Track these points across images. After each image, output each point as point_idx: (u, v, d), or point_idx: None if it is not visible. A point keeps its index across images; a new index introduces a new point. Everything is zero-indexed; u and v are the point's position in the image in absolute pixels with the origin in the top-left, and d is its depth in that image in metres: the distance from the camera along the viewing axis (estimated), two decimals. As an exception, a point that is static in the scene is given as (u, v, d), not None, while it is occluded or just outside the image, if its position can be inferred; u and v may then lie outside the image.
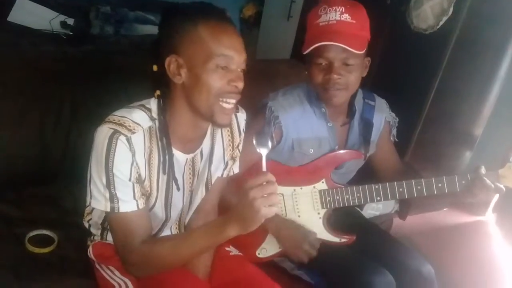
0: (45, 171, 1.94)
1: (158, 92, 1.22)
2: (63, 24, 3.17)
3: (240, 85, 1.18)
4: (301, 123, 1.60)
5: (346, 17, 1.44)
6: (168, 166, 1.25)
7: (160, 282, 1.30)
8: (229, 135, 1.46)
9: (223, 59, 1.15)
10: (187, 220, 1.50)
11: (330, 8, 1.45)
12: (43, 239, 1.61)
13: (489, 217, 3.06)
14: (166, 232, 1.45)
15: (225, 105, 1.19)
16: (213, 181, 1.46)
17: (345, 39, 1.42)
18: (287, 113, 1.58)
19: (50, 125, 1.92)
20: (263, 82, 2.21)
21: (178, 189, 1.33)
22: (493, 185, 1.44)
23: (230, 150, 1.47)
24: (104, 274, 1.42)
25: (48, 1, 3.28)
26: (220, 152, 1.43)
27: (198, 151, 1.35)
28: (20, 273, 1.46)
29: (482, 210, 3.04)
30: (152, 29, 3.49)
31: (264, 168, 1.09)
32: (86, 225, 1.47)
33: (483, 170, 1.46)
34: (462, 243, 2.79)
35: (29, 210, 1.76)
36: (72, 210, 1.74)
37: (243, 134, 1.48)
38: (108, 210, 1.18)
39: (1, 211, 1.71)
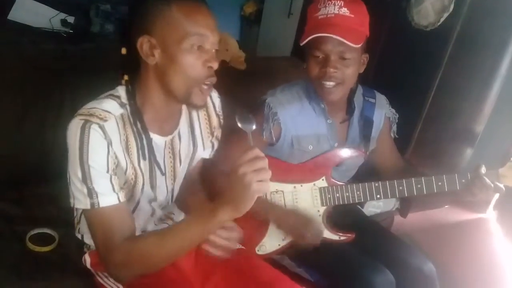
0: (46, 169, 1.93)
1: (126, 77, 1.21)
2: (63, 22, 3.17)
3: (215, 65, 1.17)
4: (300, 120, 1.60)
5: (344, 11, 1.44)
6: (147, 151, 1.23)
7: (151, 285, 1.27)
8: (205, 115, 1.44)
9: (198, 38, 1.13)
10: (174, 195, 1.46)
11: (330, 2, 1.46)
12: (44, 238, 1.61)
13: (490, 215, 3.06)
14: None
15: (202, 86, 1.18)
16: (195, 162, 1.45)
17: (342, 32, 1.42)
18: (285, 109, 1.58)
19: (50, 123, 1.92)
20: (263, 79, 2.21)
21: (162, 173, 1.31)
22: (492, 185, 1.43)
23: (208, 130, 1.45)
24: (99, 279, 1.41)
25: (48, -1, 3.28)
26: (199, 132, 1.42)
27: (176, 132, 1.33)
28: (20, 271, 1.46)
29: (483, 207, 3.04)
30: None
31: (251, 144, 1.05)
32: (79, 236, 1.42)
33: (483, 169, 1.45)
34: (463, 240, 2.78)
35: (30, 208, 1.76)
36: (73, 209, 1.74)
37: (221, 113, 1.48)
38: (89, 207, 1.12)
39: (2, 210, 1.72)
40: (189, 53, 1.14)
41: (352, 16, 1.45)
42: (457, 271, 2.38)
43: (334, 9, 1.45)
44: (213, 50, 1.18)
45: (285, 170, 1.62)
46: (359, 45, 1.46)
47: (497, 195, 1.91)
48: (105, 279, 1.40)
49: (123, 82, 1.21)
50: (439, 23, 2.51)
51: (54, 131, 1.92)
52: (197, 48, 1.14)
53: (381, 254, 1.62)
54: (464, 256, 2.60)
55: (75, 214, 1.41)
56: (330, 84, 1.49)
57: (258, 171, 1.00)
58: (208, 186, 1.51)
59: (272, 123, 1.58)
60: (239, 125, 1.10)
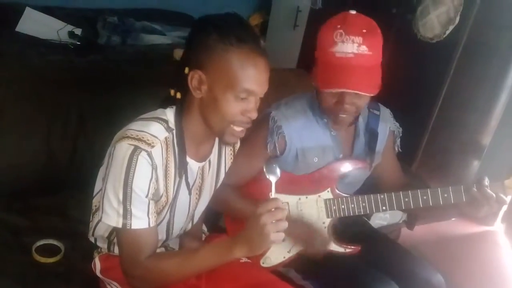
0: (52, 180, 1.94)
1: (179, 95, 1.24)
2: (71, 34, 3.21)
3: (254, 115, 1.20)
4: (305, 133, 1.59)
5: (363, 49, 1.39)
6: (184, 173, 1.27)
7: None
8: (231, 148, 1.50)
9: (244, 92, 1.16)
10: (189, 226, 1.50)
11: (347, 37, 1.39)
12: (49, 249, 1.61)
13: (498, 227, 3.03)
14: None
15: (236, 128, 1.21)
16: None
17: (363, 80, 1.39)
18: (290, 123, 1.57)
19: (57, 135, 1.92)
20: (269, 91, 2.21)
21: (190, 194, 1.35)
22: (495, 195, 1.40)
23: (231, 157, 1.51)
24: (108, 286, 1.43)
25: (55, 11, 3.34)
26: (224, 163, 1.47)
27: (207, 160, 1.37)
28: (26, 283, 1.46)
29: (490, 220, 3.02)
30: (159, 39, 3.53)
31: (273, 195, 1.14)
32: (92, 239, 1.45)
33: (486, 181, 1.42)
34: (470, 253, 2.76)
35: (36, 219, 1.76)
36: (79, 220, 1.74)
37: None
38: (120, 226, 1.17)
39: (9, 221, 1.71)
40: (232, 102, 1.16)
41: (371, 53, 1.40)
42: (465, 284, 2.36)
43: (353, 48, 1.39)
44: (258, 98, 1.21)
45: (289, 182, 1.61)
46: (376, 93, 1.44)
47: (504, 208, 1.89)
48: (113, 286, 1.41)
49: (172, 93, 1.25)
50: (445, 35, 2.51)
51: (61, 142, 1.93)
52: (241, 99, 1.16)
53: (388, 266, 1.60)
54: (471, 269, 2.58)
55: (91, 219, 1.43)
56: (344, 116, 1.49)
57: (277, 222, 1.08)
58: (216, 197, 1.52)
59: (277, 137, 1.57)
60: (265, 172, 1.21)
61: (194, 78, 1.17)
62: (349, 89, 1.41)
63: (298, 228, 1.58)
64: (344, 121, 1.53)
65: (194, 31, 1.22)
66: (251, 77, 1.15)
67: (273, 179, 1.17)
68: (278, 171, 1.19)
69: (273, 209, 1.09)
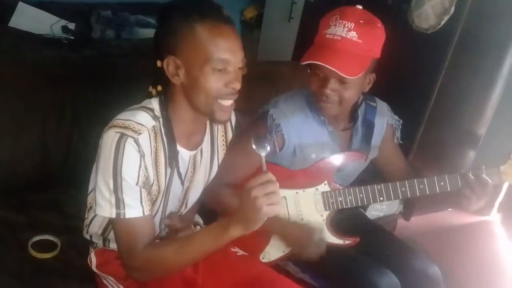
0: (48, 176, 1.94)
1: (159, 88, 1.24)
2: (64, 28, 3.18)
3: (237, 85, 1.20)
4: (303, 129, 1.58)
5: (352, 35, 1.39)
6: (174, 162, 1.27)
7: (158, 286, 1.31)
8: (222, 131, 1.49)
9: (219, 63, 1.16)
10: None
11: (341, 21, 1.41)
12: (46, 244, 1.61)
13: (494, 217, 3.04)
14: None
15: (224, 102, 1.21)
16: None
17: (341, 61, 1.38)
18: (289, 120, 1.56)
19: (51, 130, 1.92)
20: (264, 84, 2.21)
21: (182, 184, 1.35)
22: (490, 181, 1.41)
23: (224, 146, 1.50)
24: (104, 281, 1.43)
25: (49, 6, 3.30)
26: (217, 152, 1.47)
27: (199, 148, 1.37)
28: (23, 278, 1.46)
29: (487, 210, 3.02)
30: (153, 33, 3.50)
31: (264, 168, 1.11)
32: (87, 236, 1.45)
33: (482, 168, 1.44)
34: (467, 243, 2.77)
35: (32, 215, 1.76)
36: (75, 215, 1.74)
37: (233, 129, 1.52)
38: (114, 216, 1.17)
39: (4, 217, 1.71)
40: (211, 76, 1.17)
41: (360, 41, 1.39)
42: (462, 274, 2.37)
43: (342, 32, 1.39)
44: (237, 68, 1.21)
45: (286, 176, 1.60)
46: (357, 76, 1.41)
47: (501, 196, 1.90)
48: (109, 281, 1.42)
49: (153, 92, 1.25)
50: (440, 26, 2.50)
51: (55, 137, 1.93)
52: (219, 71, 1.17)
53: (385, 258, 1.61)
54: (468, 259, 2.58)
55: (86, 216, 1.43)
56: (328, 105, 1.48)
57: (269, 195, 1.06)
58: (211, 195, 1.52)
59: (276, 135, 1.56)
60: (254, 147, 1.15)
61: (170, 64, 1.18)
62: (321, 63, 1.39)
63: (295, 230, 1.56)
64: (328, 111, 1.51)
65: (159, 21, 1.24)
66: (221, 46, 1.16)
67: (263, 153, 1.14)
68: (267, 146, 1.16)
69: (264, 182, 1.07)
